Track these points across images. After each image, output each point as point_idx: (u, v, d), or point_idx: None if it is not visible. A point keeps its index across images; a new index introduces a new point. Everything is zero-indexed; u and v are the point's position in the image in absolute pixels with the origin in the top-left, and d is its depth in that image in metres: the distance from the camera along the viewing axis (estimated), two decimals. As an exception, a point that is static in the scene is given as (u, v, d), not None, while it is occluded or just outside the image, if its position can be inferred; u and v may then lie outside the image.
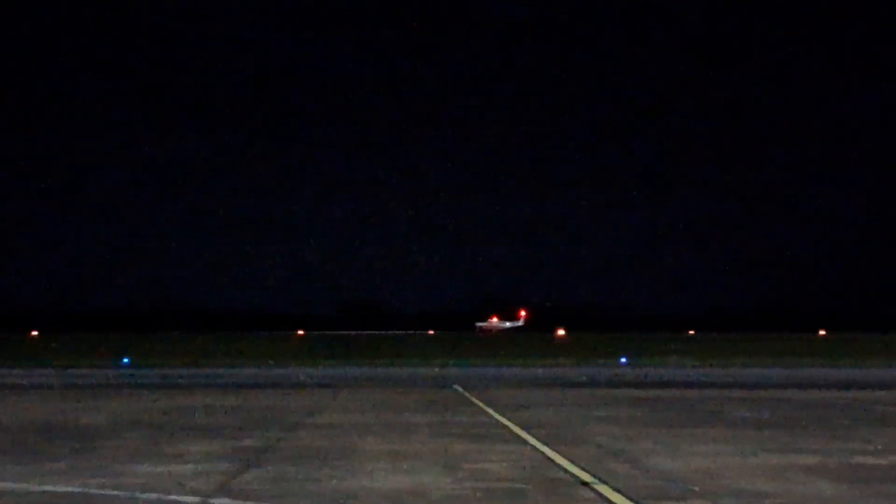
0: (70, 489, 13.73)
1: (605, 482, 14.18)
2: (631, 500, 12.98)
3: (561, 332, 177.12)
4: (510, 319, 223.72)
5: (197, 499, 13.00)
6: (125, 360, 62.25)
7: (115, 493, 13.47)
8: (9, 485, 14.09)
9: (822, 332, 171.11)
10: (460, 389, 35.31)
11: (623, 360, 63.28)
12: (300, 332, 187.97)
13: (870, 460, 16.54)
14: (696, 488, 13.78)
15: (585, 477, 14.66)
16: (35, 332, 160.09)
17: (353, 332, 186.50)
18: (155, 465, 15.91)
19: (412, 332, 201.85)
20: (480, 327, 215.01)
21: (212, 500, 12.89)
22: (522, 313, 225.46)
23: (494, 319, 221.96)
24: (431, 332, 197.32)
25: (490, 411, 25.98)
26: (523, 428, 21.50)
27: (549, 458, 16.73)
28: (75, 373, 49.10)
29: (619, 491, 13.51)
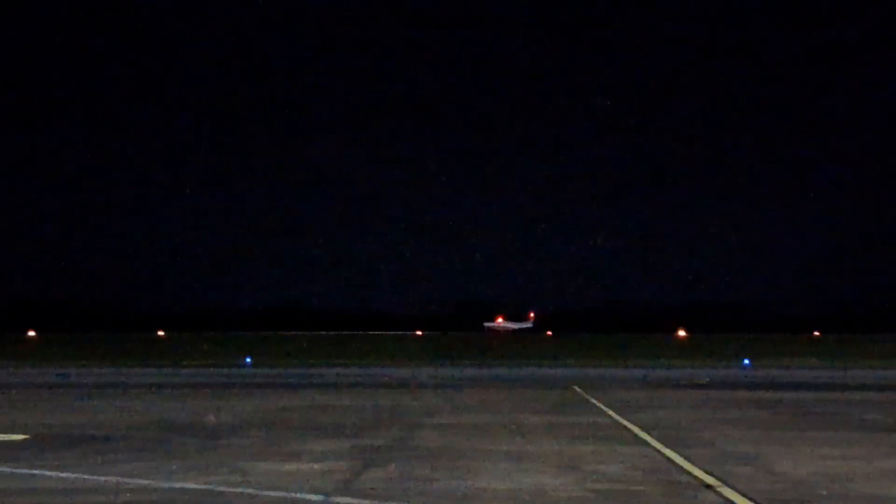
0: (197, 486, 13.98)
1: (728, 485, 13.98)
2: (755, 503, 12.77)
3: (681, 332, 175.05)
4: (516, 320, 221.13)
5: (320, 497, 13.15)
6: (247, 360, 63.28)
7: (241, 490, 13.69)
8: (139, 481, 14.41)
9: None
10: (578, 390, 35.13)
11: (746, 361, 62.27)
12: (418, 333, 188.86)
13: None
14: (825, 492, 13.50)
15: (708, 480, 14.47)
16: (161, 333, 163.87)
17: (467, 333, 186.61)
18: (278, 464, 16.13)
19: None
20: (489, 327, 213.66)
21: (334, 499, 13.02)
22: (531, 315, 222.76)
23: (500, 320, 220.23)
24: (549, 332, 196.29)
25: (609, 412, 25.80)
26: (643, 429, 21.30)
27: (670, 460, 16.55)
28: (200, 372, 50.04)
29: (743, 494, 13.30)
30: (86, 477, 14.81)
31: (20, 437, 19.93)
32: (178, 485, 14.13)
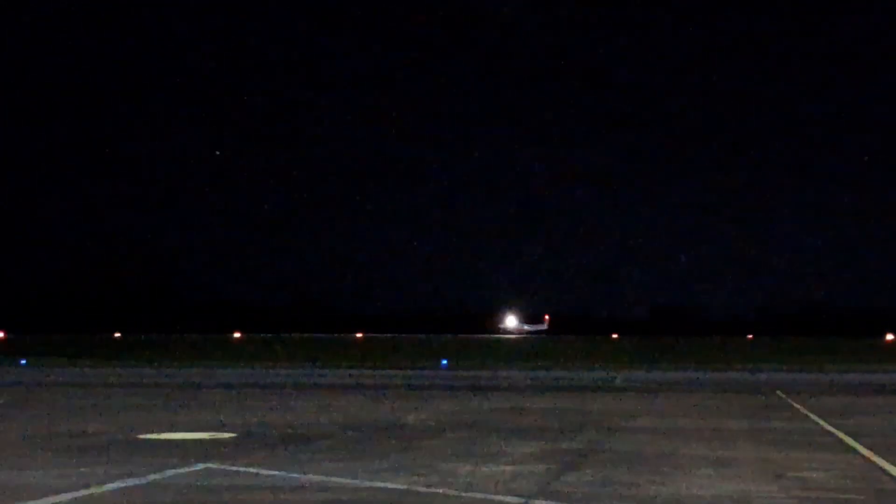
0: (398, 486, 14.16)
1: (944, 496, 13.39)
2: (974, 515, 12.20)
3: (889, 336, 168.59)
4: (529, 322, 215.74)
5: (519, 500, 13.14)
6: (444, 362, 63.92)
7: (440, 491, 13.80)
8: (342, 480, 14.69)
9: None
10: (781, 395, 34.25)
11: None
12: (614, 336, 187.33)
13: None
14: None
15: (922, 490, 13.89)
16: (360, 335, 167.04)
17: (667, 337, 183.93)
18: (476, 465, 16.20)
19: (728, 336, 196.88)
20: (506, 328, 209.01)
21: (533, 502, 13.00)
22: (546, 317, 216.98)
23: (511, 318, 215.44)
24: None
25: (814, 418, 25.06)
26: (851, 436, 20.61)
27: (882, 469, 15.96)
28: (397, 374, 50.78)
29: (960, 506, 12.73)
30: (292, 475, 15.17)
31: (228, 435, 20.58)
32: (379, 484, 14.34)
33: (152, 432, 20.97)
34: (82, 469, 15.69)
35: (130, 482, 14.47)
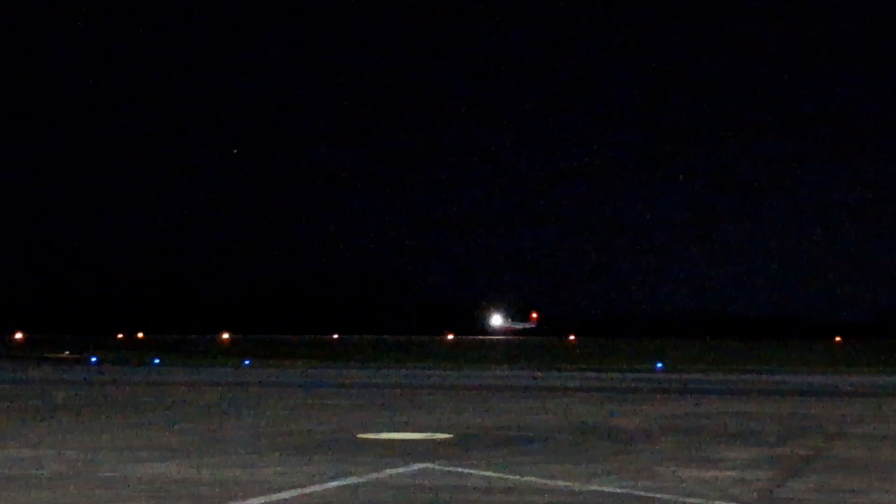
0: (614, 490, 14.06)
1: None
2: None
3: None
4: (516, 320, 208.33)
5: (740, 506, 12.86)
6: (658, 365, 63.14)
7: (658, 495, 13.63)
8: (558, 483, 14.67)
9: None
10: None
11: None
12: (837, 339, 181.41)
13: None
14: None
15: None
16: (573, 337, 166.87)
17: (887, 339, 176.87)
18: (694, 470, 15.94)
19: None
20: (496, 328, 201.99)
21: (755, 508, 12.70)
22: (534, 315, 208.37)
23: (496, 317, 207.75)
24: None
25: None
26: None
27: None
28: (611, 376, 50.42)
29: None
30: (508, 476, 15.24)
31: (445, 436, 20.82)
32: (595, 488, 14.26)
33: (370, 432, 21.39)
34: (305, 467, 16.15)
35: (351, 480, 14.81)
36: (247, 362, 67.97)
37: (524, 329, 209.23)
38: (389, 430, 21.74)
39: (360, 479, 14.90)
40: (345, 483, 14.59)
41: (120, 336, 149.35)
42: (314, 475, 15.23)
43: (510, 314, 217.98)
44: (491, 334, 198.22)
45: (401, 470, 15.85)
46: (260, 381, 43.80)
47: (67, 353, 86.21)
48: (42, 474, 15.29)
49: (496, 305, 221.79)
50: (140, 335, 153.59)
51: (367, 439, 20.19)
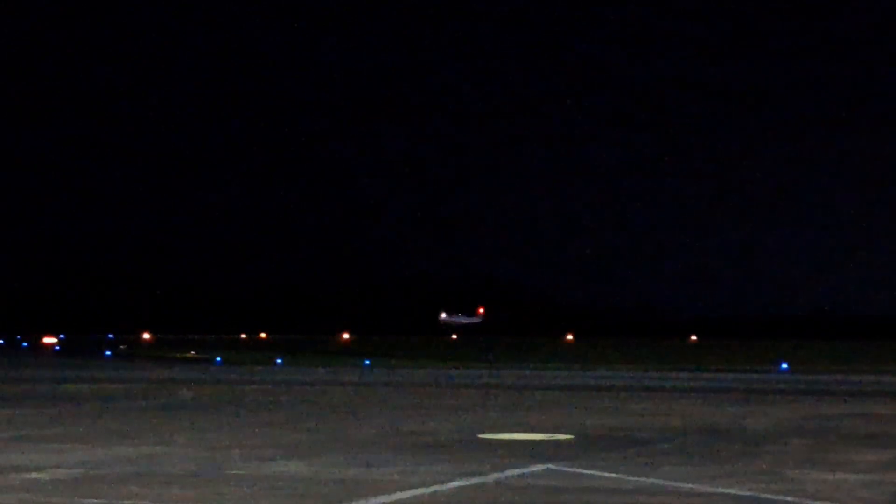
0: (741, 493, 13.83)
1: None
2: None
3: None
4: (465, 314, 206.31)
5: (871, 510, 12.56)
6: (783, 366, 62.06)
7: (786, 498, 13.38)
8: (681, 485, 14.50)
9: None
10: None
11: None
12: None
13: None
14: None
15: None
16: (694, 337, 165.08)
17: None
18: (822, 473, 15.61)
19: None
20: (445, 321, 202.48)
21: (887, 513, 12.39)
22: (480, 310, 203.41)
23: (443, 315, 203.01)
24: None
25: None
26: None
27: None
28: (732, 377, 49.65)
29: None
30: (629, 478, 15.11)
31: (566, 436, 20.73)
32: (721, 490, 14.06)
33: (491, 432, 21.40)
34: (428, 466, 16.21)
35: (473, 481, 14.82)
36: (367, 362, 68.54)
37: (471, 323, 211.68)
38: (510, 431, 21.72)
39: (483, 480, 14.91)
40: (467, 483, 14.61)
41: (243, 336, 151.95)
42: (436, 475, 15.28)
43: (457, 309, 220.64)
44: (442, 328, 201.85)
45: (523, 470, 15.82)
46: (380, 381, 44.13)
47: (193, 353, 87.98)
48: (172, 472, 15.61)
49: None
50: (262, 335, 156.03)
51: (488, 439, 20.20)
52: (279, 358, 73.38)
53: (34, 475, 15.11)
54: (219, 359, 73.96)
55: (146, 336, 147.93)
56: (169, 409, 28.20)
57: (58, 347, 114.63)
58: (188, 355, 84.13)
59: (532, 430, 21.79)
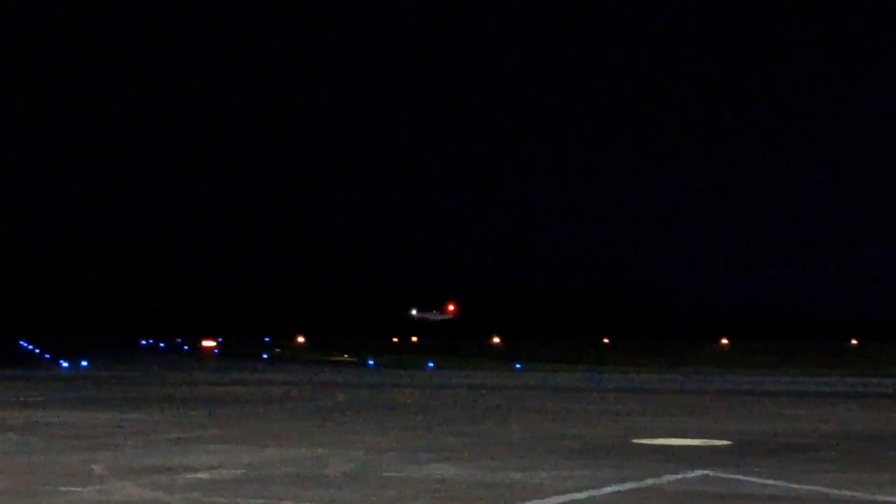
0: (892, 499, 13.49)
1: None
2: None
3: None
4: (432, 310, 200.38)
5: None
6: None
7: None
8: (842, 493, 14.15)
9: None
10: None
11: None
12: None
13: None
14: None
15: None
16: (855, 342, 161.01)
17: None
18: None
19: None
20: (418, 317, 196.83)
21: None
22: (451, 307, 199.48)
23: (414, 311, 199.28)
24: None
25: None
26: None
27: None
28: (892, 382, 48.25)
29: None
30: (789, 485, 14.82)
31: (723, 442, 20.43)
32: (882, 498, 13.70)
33: (647, 437, 21.22)
34: (582, 471, 16.17)
35: (629, 486, 14.73)
36: (518, 366, 68.61)
37: (442, 320, 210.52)
38: (665, 436, 21.50)
39: (638, 485, 14.80)
40: (622, 488, 14.53)
41: (395, 340, 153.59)
42: (590, 479, 15.23)
43: (427, 306, 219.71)
44: (413, 325, 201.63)
45: (679, 476, 15.66)
46: (532, 385, 44.12)
47: (346, 356, 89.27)
48: (328, 473, 15.89)
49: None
50: (414, 339, 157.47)
51: (642, 444, 20.03)
52: (430, 361, 73.97)
53: (198, 475, 15.55)
54: (371, 361, 74.91)
55: (300, 339, 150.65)
56: (325, 411, 28.69)
57: (217, 351, 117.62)
58: (341, 358, 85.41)
59: (687, 436, 21.54)
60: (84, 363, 69.56)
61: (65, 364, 68.67)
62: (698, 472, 16.01)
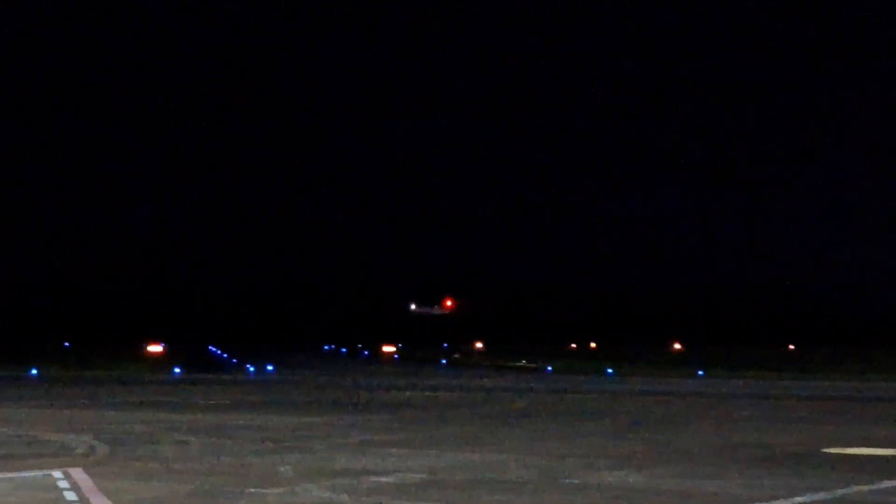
0: None
1: None
2: None
3: None
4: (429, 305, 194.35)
5: None
6: None
7: None
8: None
9: None
10: None
11: None
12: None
13: None
14: None
15: None
16: None
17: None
18: None
19: None
20: (418, 312, 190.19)
21: None
22: (448, 302, 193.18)
23: (413, 306, 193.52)
24: None
25: None
26: None
27: None
28: None
29: None
30: None
31: (917, 452, 19.71)
32: None
33: (837, 446, 20.59)
34: (770, 480, 15.77)
35: (818, 496, 14.29)
36: (700, 373, 67.54)
37: (440, 315, 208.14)
38: (856, 445, 20.83)
39: (828, 496, 14.35)
40: (812, 499, 14.11)
41: (573, 346, 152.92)
42: (778, 489, 14.84)
43: (425, 300, 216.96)
44: (412, 319, 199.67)
45: (871, 487, 15.13)
46: (715, 392, 43.36)
47: (524, 361, 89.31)
48: (511, 479, 15.88)
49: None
50: (592, 345, 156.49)
51: (833, 454, 19.44)
52: (609, 368, 73.41)
53: (382, 479, 15.73)
54: (549, 368, 74.77)
55: (478, 345, 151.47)
56: (504, 416, 28.73)
57: (397, 356, 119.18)
58: (519, 364, 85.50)
59: (878, 445, 20.82)
60: (270, 367, 71.33)
61: (251, 368, 70.57)
62: (891, 483, 15.45)
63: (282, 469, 16.76)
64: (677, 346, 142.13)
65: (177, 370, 64.50)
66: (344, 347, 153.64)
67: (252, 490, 14.61)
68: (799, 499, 14.08)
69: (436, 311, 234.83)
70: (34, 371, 60.58)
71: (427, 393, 40.95)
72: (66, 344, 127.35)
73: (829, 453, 19.52)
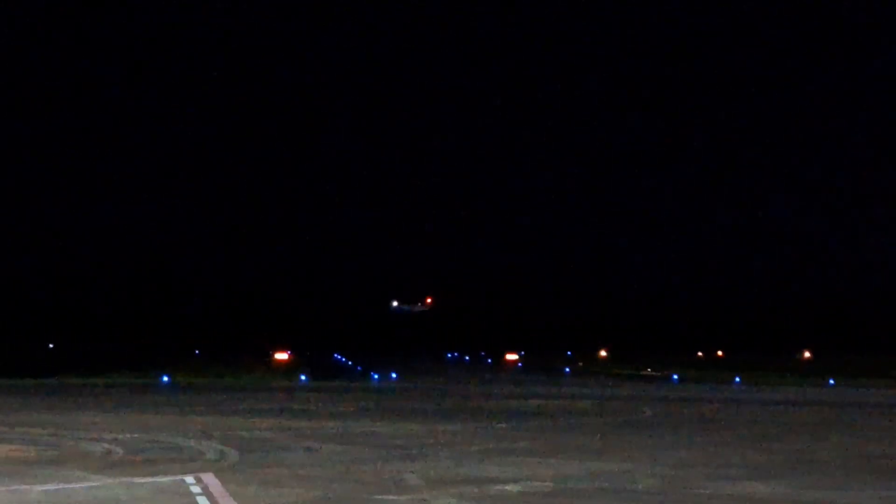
0: None
1: None
2: None
3: None
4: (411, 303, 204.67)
5: None
6: None
7: None
8: None
9: None
10: None
11: None
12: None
13: None
14: None
15: None
16: None
17: None
18: None
19: None
20: (401, 309, 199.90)
21: None
22: (429, 300, 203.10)
23: (395, 303, 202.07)
24: None
25: None
26: None
27: None
28: None
29: None
30: None
31: None
32: None
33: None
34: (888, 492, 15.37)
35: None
36: (831, 381, 66.15)
37: (421, 311, 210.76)
38: None
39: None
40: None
41: (699, 354, 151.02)
42: (915, 502, 14.45)
43: (407, 298, 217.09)
44: (391, 315, 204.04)
45: None
46: (845, 401, 42.40)
47: (649, 369, 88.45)
48: (639, 489, 15.72)
49: None
50: (719, 353, 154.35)
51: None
52: (737, 376, 72.29)
53: (506, 487, 15.71)
54: (675, 376, 73.91)
55: (602, 353, 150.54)
56: (631, 425, 28.48)
57: (520, 364, 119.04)
58: (645, 372, 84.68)
59: None
60: (393, 375, 71.84)
61: (375, 376, 71.16)
62: None
63: (408, 476, 16.85)
64: (807, 354, 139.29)
65: (303, 378, 65.33)
66: (467, 355, 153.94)
67: (379, 497, 14.71)
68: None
69: (416, 308, 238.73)
70: (165, 378, 61.94)
71: (550, 401, 40.80)
72: (196, 352, 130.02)
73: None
